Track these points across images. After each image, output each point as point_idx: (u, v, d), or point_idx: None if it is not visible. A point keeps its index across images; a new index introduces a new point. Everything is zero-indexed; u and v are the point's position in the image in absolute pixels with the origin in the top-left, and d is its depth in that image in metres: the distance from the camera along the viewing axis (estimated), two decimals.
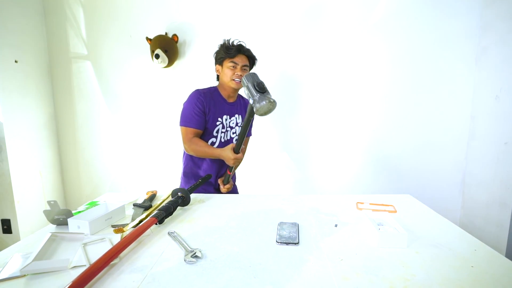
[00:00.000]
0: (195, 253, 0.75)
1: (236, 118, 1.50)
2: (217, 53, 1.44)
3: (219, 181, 1.49)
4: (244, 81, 1.14)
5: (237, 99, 1.52)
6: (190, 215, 1.04)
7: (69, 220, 0.91)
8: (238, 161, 1.28)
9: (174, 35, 2.04)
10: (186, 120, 1.38)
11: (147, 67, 2.13)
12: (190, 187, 1.21)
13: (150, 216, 0.91)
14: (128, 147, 2.27)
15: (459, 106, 1.97)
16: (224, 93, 1.46)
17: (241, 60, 1.40)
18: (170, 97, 2.13)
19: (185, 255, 0.74)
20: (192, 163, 1.49)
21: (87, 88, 2.23)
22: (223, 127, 1.46)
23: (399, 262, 0.71)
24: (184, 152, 1.53)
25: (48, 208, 0.95)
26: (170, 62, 2.03)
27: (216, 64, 1.46)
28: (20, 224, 1.97)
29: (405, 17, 1.91)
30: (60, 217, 0.95)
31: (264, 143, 2.14)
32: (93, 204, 1.15)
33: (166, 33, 2.06)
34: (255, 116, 1.18)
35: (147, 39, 2.03)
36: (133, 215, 1.04)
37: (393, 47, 1.94)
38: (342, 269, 0.68)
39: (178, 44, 2.07)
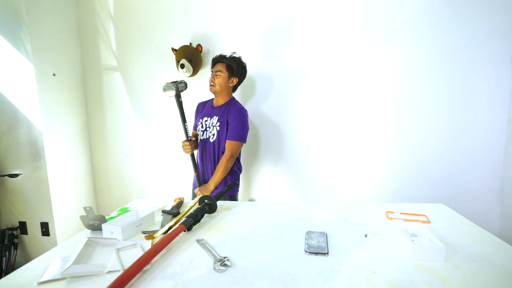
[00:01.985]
0: (224, 261, 0.75)
1: (213, 120, 1.68)
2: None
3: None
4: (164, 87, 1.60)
5: (223, 104, 1.69)
6: (217, 223, 1.05)
7: (103, 225, 0.94)
8: (185, 148, 1.64)
9: (198, 45, 2.08)
10: (245, 137, 1.66)
11: (172, 77, 2.17)
12: (217, 194, 1.22)
13: (179, 223, 0.93)
14: (155, 155, 2.32)
15: (495, 109, 1.85)
16: (214, 99, 1.74)
17: (215, 67, 1.69)
18: (195, 106, 2.17)
19: (214, 263, 0.75)
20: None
21: (117, 98, 2.32)
22: (202, 126, 1.71)
23: (437, 277, 0.67)
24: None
25: (83, 213, 1.00)
26: (195, 71, 2.07)
27: None
28: (57, 227, 2.07)
29: (436, 15, 1.83)
30: (95, 223, 0.99)
31: (285, 149, 2.12)
32: (124, 210, 1.18)
33: (190, 43, 2.11)
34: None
35: (173, 49, 2.09)
36: (162, 222, 1.07)
37: (423, 47, 1.86)
38: (375, 282, 0.66)
39: (202, 54, 2.11)
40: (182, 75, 2.05)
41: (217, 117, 1.67)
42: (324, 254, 0.78)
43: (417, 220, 0.97)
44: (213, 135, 1.67)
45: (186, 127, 1.66)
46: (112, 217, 1.07)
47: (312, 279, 0.68)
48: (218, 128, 1.65)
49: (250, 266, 0.74)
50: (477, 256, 0.76)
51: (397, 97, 1.95)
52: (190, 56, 2.03)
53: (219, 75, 1.66)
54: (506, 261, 0.73)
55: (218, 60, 1.70)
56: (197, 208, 1.05)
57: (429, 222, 0.99)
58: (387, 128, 1.98)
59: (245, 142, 1.68)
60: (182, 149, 1.67)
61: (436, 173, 1.95)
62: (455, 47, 1.84)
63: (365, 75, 1.97)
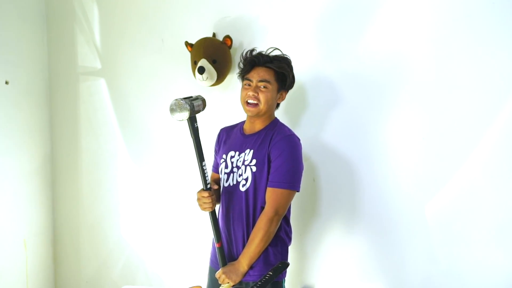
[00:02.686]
0: None
1: (245, 154, 1.61)
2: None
3: None
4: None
5: (261, 130, 1.63)
6: None
7: None
8: (203, 203, 1.52)
9: (226, 37, 1.98)
10: (297, 182, 1.58)
11: (185, 86, 2.09)
12: (256, 284, 1.20)
13: None
14: (155, 209, 2.25)
15: None
16: (246, 127, 1.68)
17: (257, 75, 1.56)
18: (216, 133, 2.04)
19: None
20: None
21: (99, 116, 2.29)
22: (226, 167, 1.63)
23: None
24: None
25: None
26: (220, 77, 1.96)
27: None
28: None
29: None
30: None
31: (366, 204, 1.91)
32: None
33: (214, 35, 2.03)
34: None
35: (187, 44, 2.00)
36: None
37: None
38: None
39: (232, 51, 2.01)
40: (201, 83, 1.95)
41: (252, 150, 1.59)
42: None
43: None
44: (246, 180, 1.58)
45: (204, 168, 1.53)
46: None
47: None
48: (253, 168, 1.56)
49: None
50: None
51: None
52: (214, 54, 1.94)
53: (265, 89, 1.56)
54: None
55: (261, 61, 1.58)
56: None
57: None
58: None
59: (298, 191, 1.60)
60: (197, 203, 1.57)
61: None
62: None
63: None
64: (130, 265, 2.29)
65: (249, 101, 1.56)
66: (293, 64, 1.69)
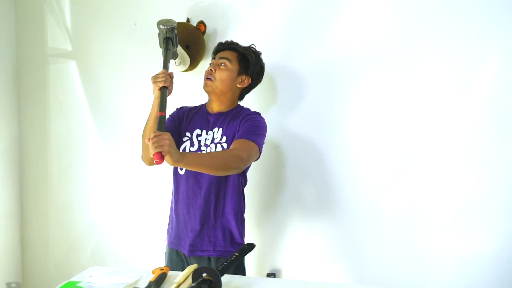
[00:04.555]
0: None
1: (213, 133, 1.69)
2: None
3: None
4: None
5: (228, 111, 1.73)
6: None
7: None
8: (159, 79, 1.56)
9: (200, 22, 2.12)
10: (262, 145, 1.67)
11: (157, 71, 2.12)
12: (222, 265, 1.22)
13: None
14: (126, 192, 2.33)
15: None
16: (210, 104, 1.78)
17: (220, 54, 1.74)
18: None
19: None
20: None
21: (69, 100, 2.37)
22: (191, 145, 1.70)
23: None
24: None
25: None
26: (194, 63, 2.10)
27: None
28: None
29: None
30: None
31: (327, 190, 2.10)
32: (71, 286, 1.17)
33: (188, 20, 2.15)
34: None
35: None
36: None
37: None
38: None
39: (205, 36, 2.14)
40: (173, 68, 2.07)
41: (221, 129, 1.69)
42: None
43: None
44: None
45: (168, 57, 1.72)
46: None
47: None
48: (225, 145, 1.66)
49: None
50: None
51: None
52: (187, 39, 2.06)
53: (224, 67, 1.70)
54: None
55: (227, 46, 1.76)
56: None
57: None
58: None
59: (260, 151, 1.67)
60: (152, 86, 1.59)
61: None
62: None
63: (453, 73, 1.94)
64: (99, 249, 2.37)
65: (207, 77, 1.69)
66: (264, 53, 1.80)
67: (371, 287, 1.07)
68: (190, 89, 2.17)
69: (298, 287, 1.22)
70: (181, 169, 1.69)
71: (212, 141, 1.68)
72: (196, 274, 1.13)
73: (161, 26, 1.68)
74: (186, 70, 2.13)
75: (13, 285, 0.98)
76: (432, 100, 1.98)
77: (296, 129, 2.12)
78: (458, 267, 1.99)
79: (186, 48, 2.05)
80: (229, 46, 1.75)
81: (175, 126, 1.74)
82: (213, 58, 1.77)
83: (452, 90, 1.95)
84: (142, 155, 1.69)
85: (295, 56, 2.09)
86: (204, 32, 2.13)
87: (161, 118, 1.44)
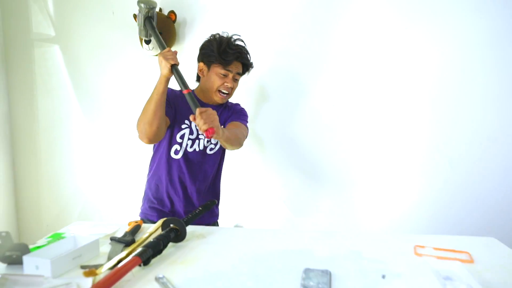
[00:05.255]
0: None
1: None
2: (207, 49, 1.56)
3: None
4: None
5: (220, 105, 1.66)
6: (185, 255, 1.07)
7: (24, 258, 0.95)
8: (167, 56, 1.41)
9: (171, 12, 2.11)
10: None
11: (134, 55, 2.21)
12: (187, 217, 1.25)
13: (133, 254, 0.95)
14: (107, 161, 2.34)
15: None
16: (203, 99, 1.63)
17: (235, 67, 1.56)
18: None
19: None
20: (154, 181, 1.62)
21: (54, 80, 2.34)
22: (191, 133, 1.57)
23: None
24: (151, 167, 1.68)
25: None
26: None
27: (200, 61, 1.60)
28: None
29: None
30: (12, 254, 0.99)
31: (284, 157, 2.18)
32: (57, 236, 1.20)
33: (160, 10, 2.13)
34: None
35: (135, 17, 2.07)
36: (109, 253, 1.08)
37: (473, 30, 1.95)
38: None
39: (176, 25, 2.14)
40: (147, 52, 2.09)
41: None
42: None
43: (455, 259, 1.00)
44: (215, 144, 1.65)
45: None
46: (38, 247, 1.08)
47: None
48: None
49: None
50: None
51: (436, 96, 2.01)
52: (160, 27, 2.03)
53: (236, 81, 1.63)
54: None
55: (244, 59, 1.59)
56: (159, 235, 1.07)
57: (471, 261, 1.03)
58: (424, 136, 2.04)
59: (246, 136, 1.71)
60: (160, 65, 1.42)
61: (491, 196, 2.01)
62: None
63: (394, 65, 2.03)
64: (86, 210, 2.39)
65: (224, 91, 1.56)
66: None
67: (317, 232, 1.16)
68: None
69: (253, 234, 1.26)
70: (176, 153, 1.58)
71: None
72: (165, 225, 1.17)
73: (142, 5, 1.66)
74: (159, 54, 2.07)
75: (3, 234, 1.00)
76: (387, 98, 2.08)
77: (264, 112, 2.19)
78: (386, 212, 2.14)
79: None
80: (242, 59, 1.58)
81: (171, 109, 1.55)
82: (228, 64, 1.54)
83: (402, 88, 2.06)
84: (142, 134, 1.47)
85: (259, 44, 2.08)
86: (174, 21, 2.13)
87: (190, 95, 1.39)
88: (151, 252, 0.98)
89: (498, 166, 2.00)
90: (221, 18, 2.10)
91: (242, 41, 1.60)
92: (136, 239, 1.18)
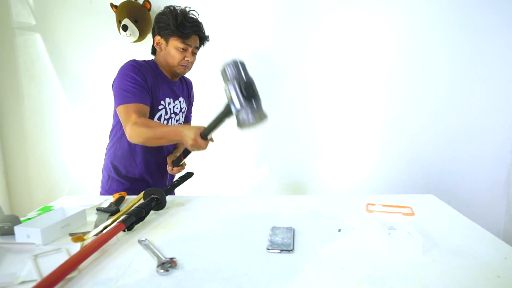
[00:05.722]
0: (170, 262, 0.80)
1: (180, 102, 1.57)
2: (163, 22, 1.41)
3: (168, 160, 1.54)
4: (227, 74, 1.08)
5: (178, 79, 1.59)
6: (165, 221, 1.10)
7: (16, 228, 0.95)
8: (197, 148, 1.22)
9: (146, 1, 2.08)
10: (124, 96, 1.32)
11: (112, 41, 2.18)
12: (167, 187, 1.27)
13: (117, 221, 0.96)
14: (92, 140, 2.33)
15: (502, 88, 2.02)
16: (165, 72, 1.51)
17: (194, 41, 1.44)
18: None
19: (158, 266, 0.80)
20: (119, 161, 1.54)
21: (37, 67, 2.30)
22: (166, 113, 1.50)
23: (411, 272, 0.77)
24: (108, 148, 1.60)
25: None
26: (142, 35, 2.07)
27: (157, 34, 1.45)
28: None
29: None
30: (4, 225, 0.99)
31: (256, 132, 2.17)
32: (46, 209, 1.20)
33: None
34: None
35: (112, 5, 2.08)
36: (96, 222, 1.10)
37: (426, 10, 2.00)
38: (342, 279, 0.74)
39: (151, 12, 2.11)
40: (125, 39, 2.06)
41: (183, 98, 1.60)
42: (289, 251, 0.85)
43: (399, 213, 1.06)
44: (180, 123, 1.62)
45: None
46: (28, 218, 1.08)
47: (272, 279, 0.75)
48: (185, 113, 1.67)
49: (201, 268, 0.80)
50: (459, 250, 0.87)
51: (391, 73, 2.08)
52: (135, 15, 2.03)
53: (195, 54, 1.50)
54: (491, 254, 0.84)
55: (197, 30, 1.44)
56: (141, 204, 1.09)
57: (413, 214, 1.10)
58: (379, 110, 2.11)
59: None
60: (189, 142, 1.22)
61: (435, 162, 2.11)
62: (468, 12, 1.97)
63: (351, 44, 2.07)
64: (74, 189, 2.39)
65: (184, 64, 1.46)
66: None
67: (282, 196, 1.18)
68: (140, 56, 2.03)
69: (227, 200, 1.28)
70: None
71: (181, 110, 1.58)
72: (146, 195, 1.19)
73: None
74: (136, 41, 2.10)
75: None
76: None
77: None
78: (348, 177, 2.22)
79: (135, 22, 2.02)
80: (200, 32, 1.45)
81: (150, 97, 1.41)
82: (186, 38, 1.41)
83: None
84: (139, 142, 1.35)
85: (234, 31, 2.11)
86: (149, 9, 2.10)
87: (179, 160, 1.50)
88: (134, 218, 0.99)
89: (438, 135, 2.11)
90: (195, 5, 2.04)
91: (197, 12, 1.48)
92: (121, 208, 1.19)
